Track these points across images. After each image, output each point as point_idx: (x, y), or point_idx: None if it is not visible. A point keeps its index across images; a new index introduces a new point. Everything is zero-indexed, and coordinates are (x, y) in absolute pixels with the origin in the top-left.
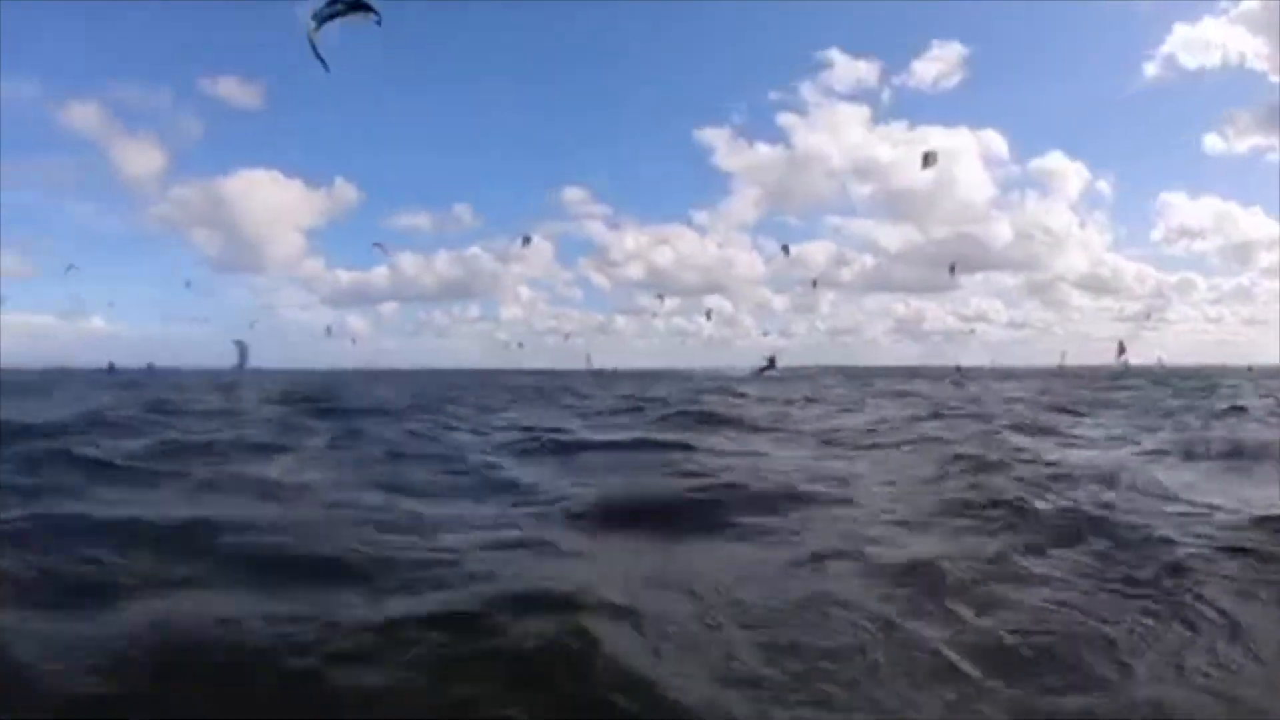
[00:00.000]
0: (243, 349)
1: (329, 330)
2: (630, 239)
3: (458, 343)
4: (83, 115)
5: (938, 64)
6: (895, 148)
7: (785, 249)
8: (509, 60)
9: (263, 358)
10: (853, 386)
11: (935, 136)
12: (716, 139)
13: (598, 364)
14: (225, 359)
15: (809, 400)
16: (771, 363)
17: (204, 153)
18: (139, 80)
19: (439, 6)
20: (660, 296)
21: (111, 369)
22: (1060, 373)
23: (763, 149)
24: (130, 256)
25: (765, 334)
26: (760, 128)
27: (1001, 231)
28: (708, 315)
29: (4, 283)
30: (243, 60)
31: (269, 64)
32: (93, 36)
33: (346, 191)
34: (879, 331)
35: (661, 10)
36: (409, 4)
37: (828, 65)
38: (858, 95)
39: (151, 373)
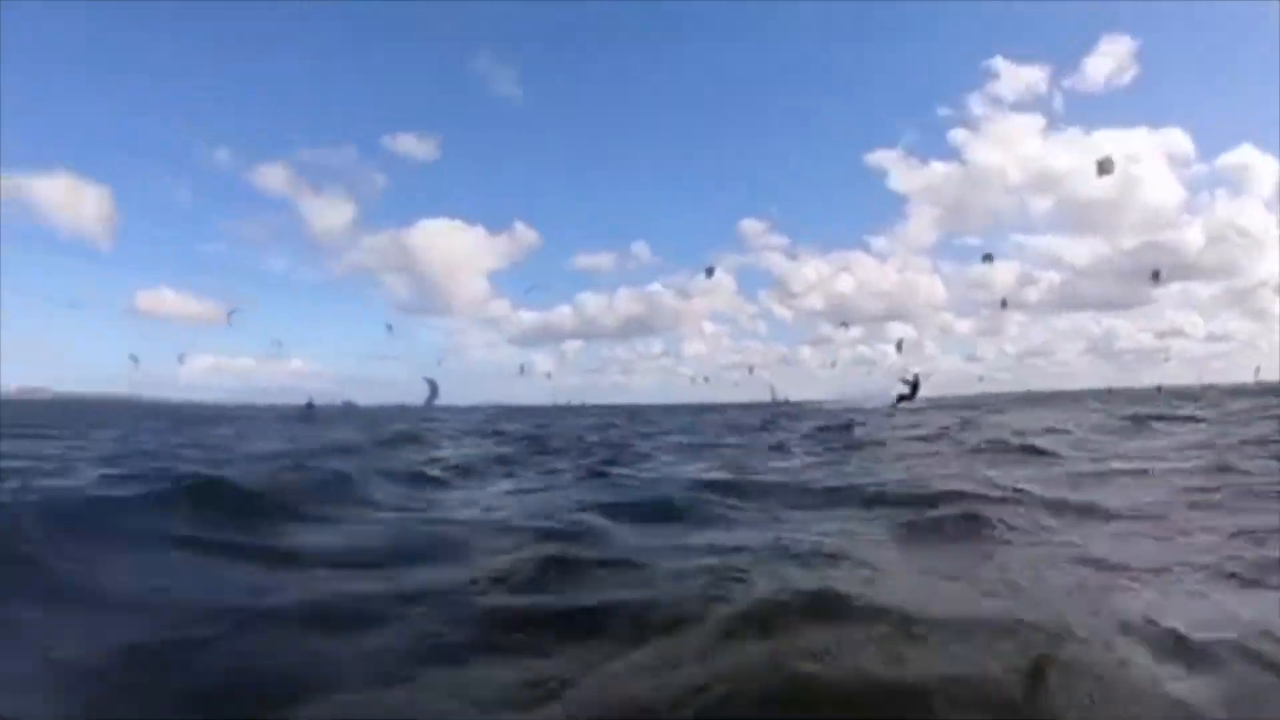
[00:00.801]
0: (433, 386)
1: (522, 369)
2: (810, 269)
3: (641, 379)
4: (274, 176)
5: (1108, 61)
6: (1072, 156)
7: (988, 258)
8: (679, 96)
9: (451, 395)
10: (1101, 414)
11: (1113, 140)
12: (889, 161)
13: (782, 395)
14: (415, 396)
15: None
16: (914, 388)
17: (388, 204)
18: (324, 141)
19: (607, 47)
20: (845, 324)
21: (310, 405)
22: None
23: (937, 167)
24: (325, 303)
25: (898, 348)
26: (932, 146)
27: (1193, 237)
28: (898, 346)
29: (207, 329)
30: (419, 116)
31: (443, 118)
32: (279, 104)
33: (526, 234)
34: (1071, 352)
35: (823, 37)
36: (580, 46)
37: (994, 75)
38: (1028, 103)
39: (348, 409)
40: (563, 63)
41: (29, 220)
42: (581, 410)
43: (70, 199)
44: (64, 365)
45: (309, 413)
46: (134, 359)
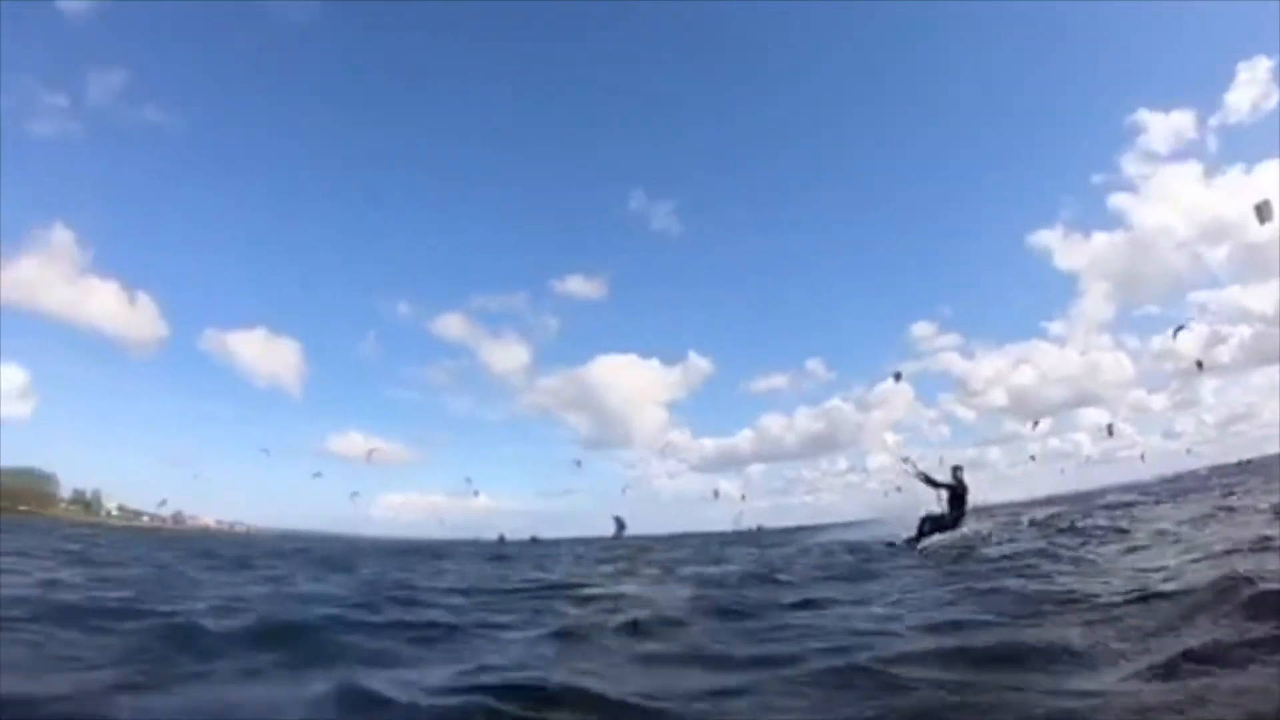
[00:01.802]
0: (620, 522)
1: (716, 493)
2: (986, 365)
3: (829, 497)
4: (453, 324)
5: (1250, 88)
6: (1238, 198)
7: (1180, 329)
8: (835, 209)
9: (637, 525)
10: None
11: (1274, 171)
12: (1051, 240)
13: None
14: (602, 529)
15: None
16: (956, 497)
17: (563, 344)
18: (497, 289)
19: (758, 169)
20: (1034, 423)
21: (502, 540)
22: None
23: (1100, 239)
24: (508, 441)
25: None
26: (1093, 216)
27: None
28: (1108, 430)
29: (399, 468)
30: (584, 257)
31: (607, 257)
32: (453, 258)
33: (700, 363)
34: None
35: (970, 121)
36: (731, 172)
37: (1141, 129)
38: (1181, 152)
39: (535, 544)
40: (716, 190)
41: (230, 372)
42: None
43: (265, 351)
44: (256, 503)
45: (501, 548)
46: (354, 495)
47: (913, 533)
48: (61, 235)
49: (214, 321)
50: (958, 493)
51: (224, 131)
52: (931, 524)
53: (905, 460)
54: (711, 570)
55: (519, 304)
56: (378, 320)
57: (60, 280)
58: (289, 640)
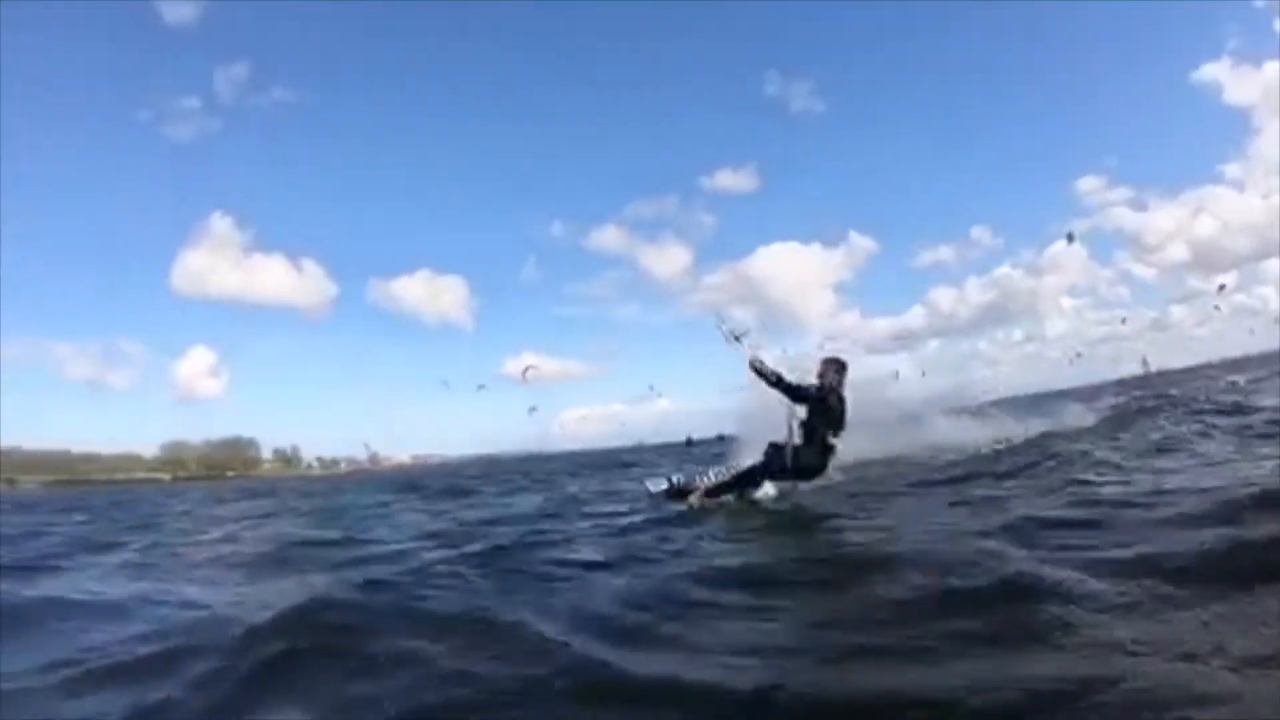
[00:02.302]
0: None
1: (897, 374)
2: (1162, 217)
3: (1009, 369)
4: (609, 237)
5: None
6: None
7: None
8: (987, 60)
9: None
10: None
11: None
12: (1218, 73)
13: (1154, 366)
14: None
15: None
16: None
17: (721, 240)
18: (647, 195)
19: (898, 34)
20: (1221, 287)
21: (690, 442)
22: None
23: (1272, 67)
24: (680, 343)
25: None
26: (1262, 42)
27: None
28: None
29: (575, 383)
30: (729, 151)
31: (752, 147)
32: (598, 172)
33: (862, 243)
34: None
35: None
36: (870, 41)
37: None
38: None
39: (722, 441)
40: (857, 62)
41: (401, 317)
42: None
43: (431, 291)
44: (445, 434)
45: (688, 448)
46: (532, 410)
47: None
48: (220, 223)
49: (377, 272)
50: (827, 407)
51: (353, 96)
52: (769, 460)
53: (732, 335)
54: None
55: (670, 207)
56: (534, 244)
57: (228, 264)
58: None
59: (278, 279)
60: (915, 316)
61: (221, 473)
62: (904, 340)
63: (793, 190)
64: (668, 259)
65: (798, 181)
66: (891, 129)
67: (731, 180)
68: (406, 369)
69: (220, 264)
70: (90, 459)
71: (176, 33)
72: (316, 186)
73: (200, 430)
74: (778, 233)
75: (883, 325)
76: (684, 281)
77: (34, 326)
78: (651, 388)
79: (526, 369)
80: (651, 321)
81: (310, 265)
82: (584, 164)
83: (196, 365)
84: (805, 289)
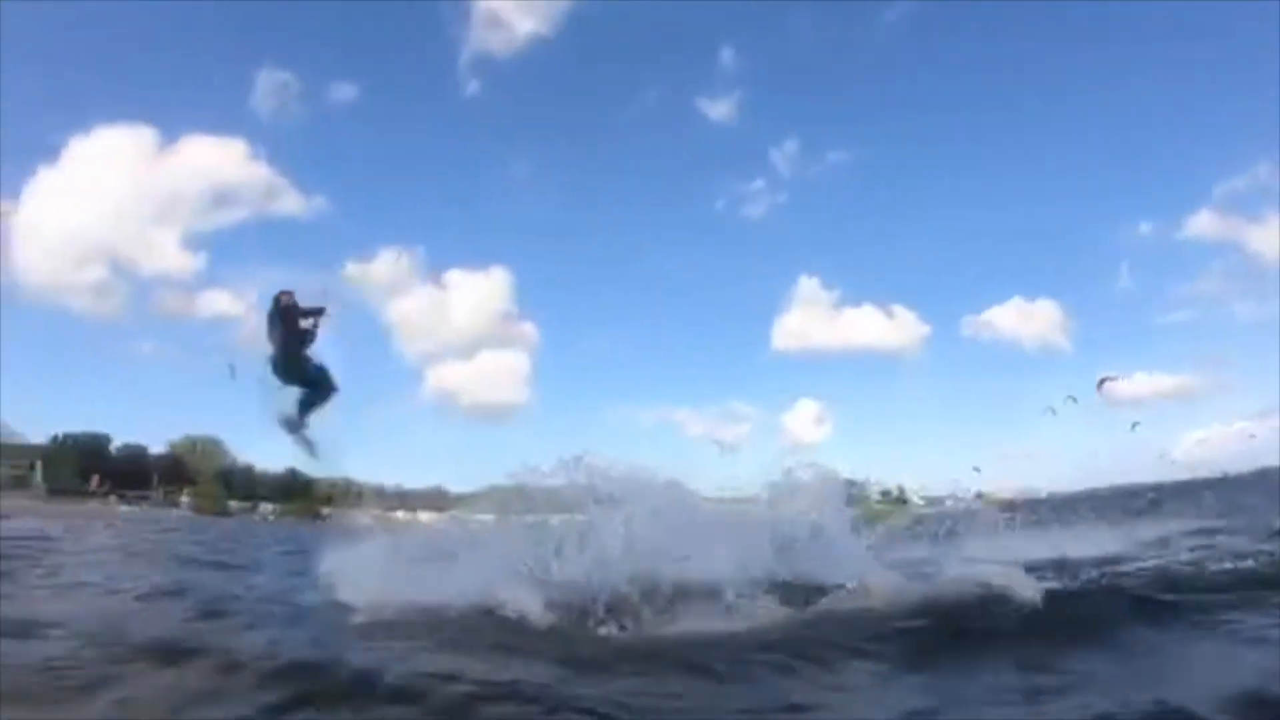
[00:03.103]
0: None
1: None
2: None
3: None
4: (1202, 224)
5: None
6: None
7: None
8: None
9: None
10: None
11: None
12: None
13: None
14: None
15: None
16: None
17: None
18: (1235, 169)
19: None
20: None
21: None
22: None
23: None
24: None
25: None
26: None
27: None
28: None
29: (1189, 400)
30: None
31: None
32: (1176, 151)
33: None
34: None
35: None
36: None
37: None
38: None
39: None
40: None
41: (995, 346)
42: None
43: (1023, 318)
44: (1049, 467)
45: None
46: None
47: None
48: (808, 285)
49: (968, 308)
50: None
51: (901, 148)
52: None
53: None
54: None
55: (1265, 174)
56: (1124, 249)
57: (821, 321)
58: None
59: (869, 327)
60: None
61: None
62: None
63: None
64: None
65: None
66: None
67: None
68: (1005, 401)
69: (813, 322)
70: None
71: (724, 127)
72: (888, 235)
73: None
74: None
75: None
76: None
77: (662, 396)
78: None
79: (1102, 380)
80: (1269, 316)
81: (900, 310)
82: (1166, 148)
83: (802, 417)
84: None
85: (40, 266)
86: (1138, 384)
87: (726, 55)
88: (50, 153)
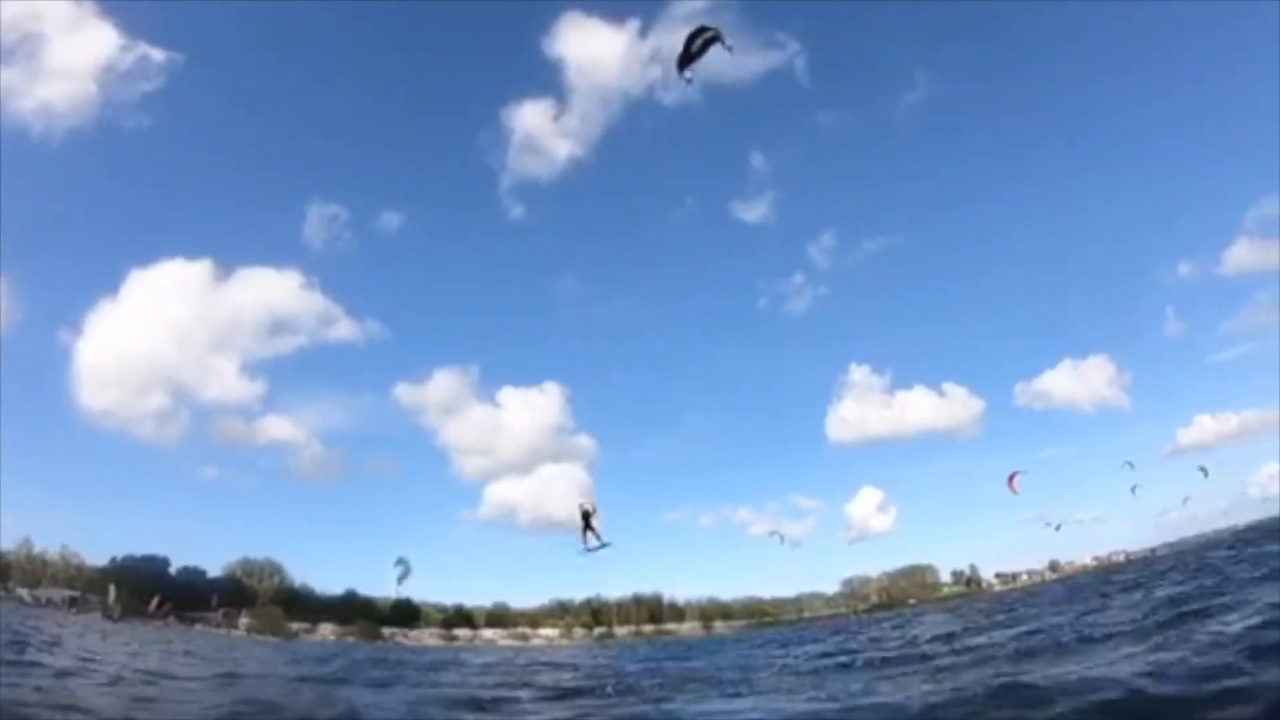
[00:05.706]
0: None
1: None
2: None
3: None
4: (1242, 254)
5: None
6: None
7: None
8: None
9: None
10: None
11: None
12: None
13: None
14: None
15: None
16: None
17: None
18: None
19: None
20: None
21: None
22: None
23: None
24: None
25: None
26: None
27: None
28: None
29: (1258, 435)
30: None
31: None
32: (1203, 185)
33: None
34: None
35: None
36: None
37: None
38: None
39: None
40: None
41: (1052, 415)
42: None
43: (1077, 378)
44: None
45: None
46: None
47: None
48: (858, 372)
49: (1019, 375)
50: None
51: (946, 235)
52: None
53: None
54: None
55: None
56: (1167, 293)
57: (875, 406)
58: None
59: (923, 408)
60: None
61: (902, 601)
62: None
63: None
64: None
65: None
66: None
67: None
68: (1069, 466)
69: (868, 408)
70: (778, 602)
71: (760, 227)
72: (931, 314)
73: (877, 564)
74: None
75: None
76: None
77: (722, 496)
78: None
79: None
80: None
81: (951, 388)
82: (1194, 180)
83: (865, 505)
84: None
85: (102, 395)
86: (1201, 429)
87: (756, 159)
88: (111, 285)
